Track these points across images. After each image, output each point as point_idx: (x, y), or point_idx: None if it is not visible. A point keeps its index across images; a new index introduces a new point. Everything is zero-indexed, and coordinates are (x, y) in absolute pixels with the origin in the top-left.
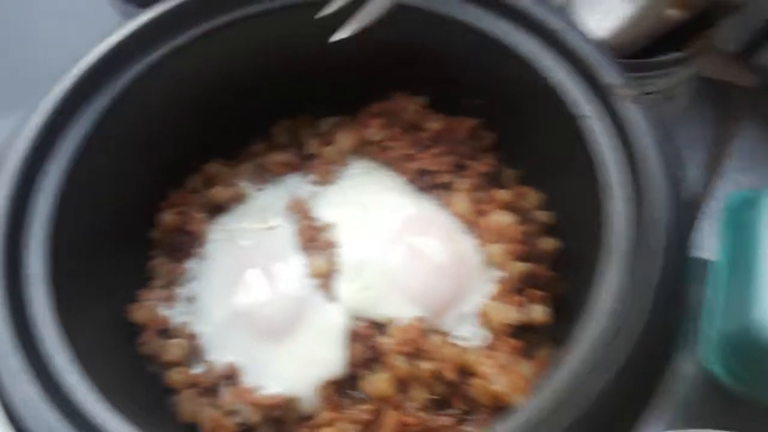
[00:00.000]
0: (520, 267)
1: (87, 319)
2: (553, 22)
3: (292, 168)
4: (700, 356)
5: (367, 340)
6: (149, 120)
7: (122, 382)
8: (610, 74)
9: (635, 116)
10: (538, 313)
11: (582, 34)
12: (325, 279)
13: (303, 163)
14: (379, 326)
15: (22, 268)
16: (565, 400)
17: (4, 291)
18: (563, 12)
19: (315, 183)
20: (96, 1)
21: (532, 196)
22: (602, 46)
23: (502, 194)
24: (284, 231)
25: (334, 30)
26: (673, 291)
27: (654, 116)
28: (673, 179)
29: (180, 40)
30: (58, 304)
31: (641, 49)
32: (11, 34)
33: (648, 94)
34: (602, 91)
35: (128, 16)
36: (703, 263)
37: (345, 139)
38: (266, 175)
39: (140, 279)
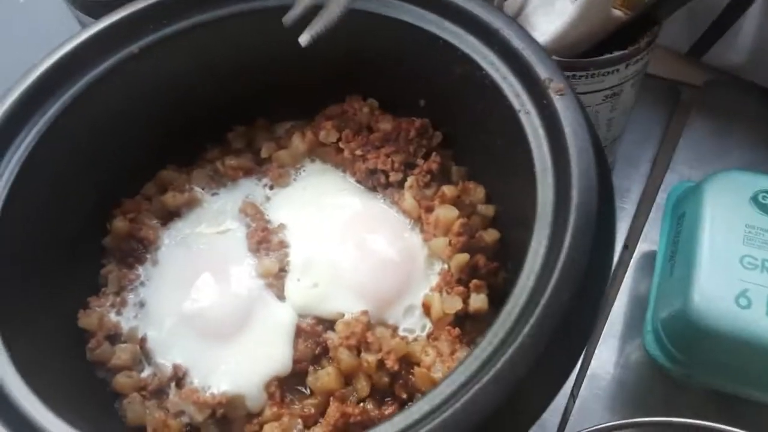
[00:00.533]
0: (461, 258)
1: (32, 327)
2: (494, 22)
3: (246, 172)
4: (644, 343)
5: (315, 337)
6: (101, 127)
7: (70, 388)
8: (544, 70)
9: (564, 109)
10: (478, 301)
11: (521, 33)
12: (275, 279)
13: (258, 167)
14: (326, 323)
15: None
16: (477, 377)
17: None
18: (502, 12)
19: (269, 186)
20: (57, 11)
21: (477, 191)
22: (537, 43)
23: (449, 190)
24: (236, 234)
25: (287, 36)
26: (595, 271)
27: (579, 107)
28: (597, 164)
29: (134, 47)
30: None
31: (591, 49)
32: None
33: (597, 92)
34: (537, 86)
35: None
36: (653, 255)
37: (299, 142)
38: (221, 180)
39: (92, 287)
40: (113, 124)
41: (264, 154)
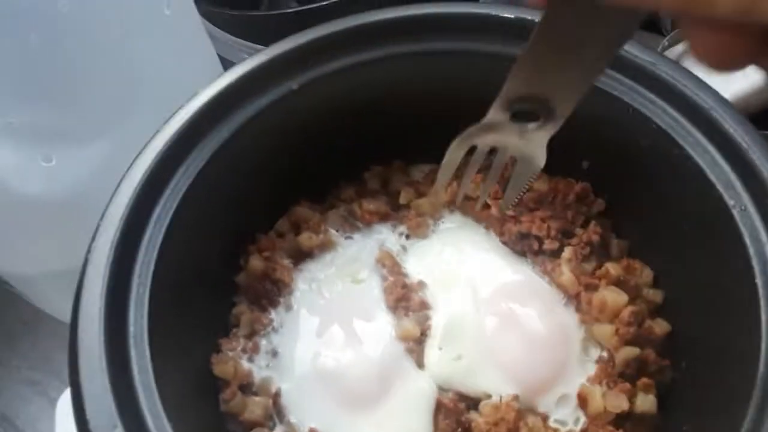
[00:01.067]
0: (630, 351)
1: (176, 374)
2: (702, 97)
3: (382, 217)
4: None
5: (456, 415)
6: (245, 166)
7: None
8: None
9: None
10: (646, 403)
11: (736, 116)
12: (415, 343)
13: (394, 213)
14: (468, 401)
15: (126, 328)
16: None
17: (108, 352)
18: (709, 86)
19: (405, 235)
20: (197, 41)
21: (644, 272)
22: (756, 131)
23: (614, 269)
24: (372, 285)
25: (438, 77)
26: None
27: None
28: None
29: (293, 82)
30: (154, 363)
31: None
32: (107, 59)
33: None
34: (759, 182)
35: (227, 54)
36: None
37: (442, 192)
38: (355, 223)
39: (223, 326)
40: (260, 160)
41: (403, 200)
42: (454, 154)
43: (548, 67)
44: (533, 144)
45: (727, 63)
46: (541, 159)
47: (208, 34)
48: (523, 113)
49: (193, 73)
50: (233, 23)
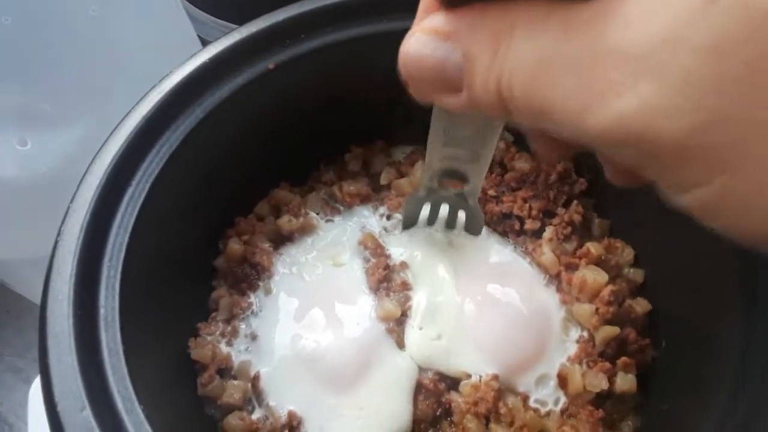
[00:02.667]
0: (610, 330)
1: (151, 357)
2: None
3: (363, 199)
4: None
5: (436, 395)
6: (221, 147)
7: (182, 425)
8: None
9: None
10: (626, 382)
11: None
12: (395, 324)
13: (375, 194)
14: (448, 380)
15: (96, 310)
16: None
17: (77, 334)
18: None
19: (387, 216)
20: (176, 22)
21: (625, 251)
22: None
23: (594, 248)
24: (354, 268)
25: None
26: None
27: None
28: None
29: (269, 61)
30: (125, 346)
31: None
32: (83, 41)
33: None
34: None
35: (207, 35)
36: None
37: (419, 174)
38: (336, 206)
39: (202, 310)
40: (237, 142)
41: (384, 180)
42: (408, 212)
43: (447, 154)
44: (468, 204)
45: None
46: (479, 216)
47: (188, 15)
48: (450, 179)
49: (172, 54)
50: (213, 3)
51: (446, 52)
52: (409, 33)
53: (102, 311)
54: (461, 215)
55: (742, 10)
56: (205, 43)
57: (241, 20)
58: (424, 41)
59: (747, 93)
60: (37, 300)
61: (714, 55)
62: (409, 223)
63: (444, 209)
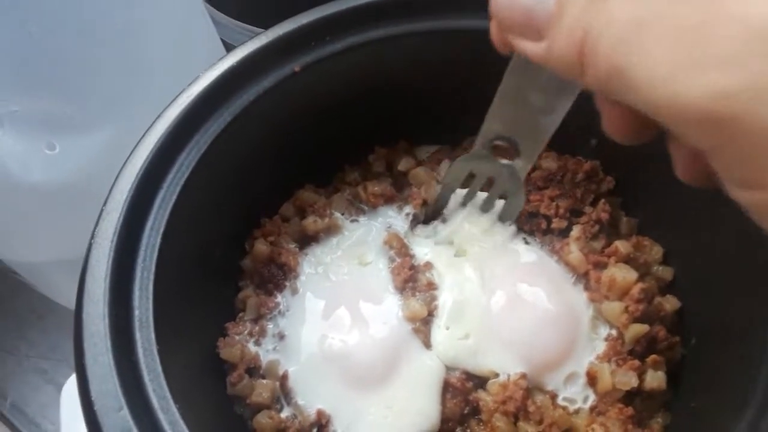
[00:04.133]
0: (639, 329)
1: (183, 357)
2: None
3: (387, 199)
4: None
5: (464, 394)
6: (248, 150)
7: (211, 425)
8: None
9: None
10: (655, 380)
11: None
12: (422, 324)
13: (399, 194)
14: (476, 380)
15: (131, 311)
16: None
17: (113, 335)
18: None
19: (412, 216)
20: (200, 26)
21: (653, 249)
22: None
23: (623, 246)
24: (379, 267)
25: (440, 59)
26: None
27: None
28: None
29: (295, 64)
30: (159, 346)
31: None
32: (109, 46)
33: None
34: None
35: (230, 38)
36: None
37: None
38: (361, 206)
39: (229, 310)
40: (263, 144)
41: (402, 167)
42: (452, 175)
43: (509, 117)
44: (513, 180)
45: (624, 138)
46: (520, 198)
47: (212, 19)
48: (501, 150)
49: (196, 58)
50: (236, 7)
51: None
52: None
53: (137, 312)
54: (499, 201)
55: None
56: (228, 46)
57: (263, 24)
58: None
59: None
60: (63, 302)
61: None
62: (449, 187)
63: (480, 196)
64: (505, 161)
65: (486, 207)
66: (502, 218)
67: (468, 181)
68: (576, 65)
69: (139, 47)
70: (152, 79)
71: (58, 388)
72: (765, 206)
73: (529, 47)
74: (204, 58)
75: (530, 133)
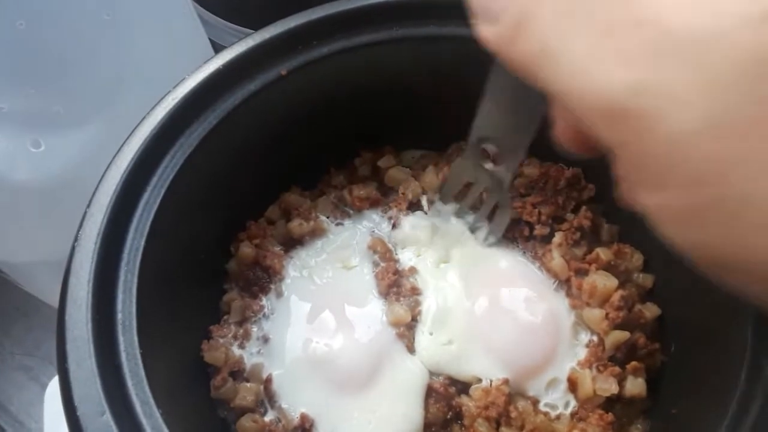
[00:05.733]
0: (619, 335)
1: (166, 361)
2: None
3: (372, 203)
4: None
5: (447, 399)
6: (234, 152)
7: (195, 429)
8: None
9: None
10: (636, 386)
11: None
12: (406, 328)
13: (384, 198)
14: (459, 384)
15: (114, 314)
16: None
17: (96, 339)
18: None
19: (396, 219)
20: (188, 26)
21: (634, 257)
22: None
23: (604, 253)
24: (364, 271)
25: (428, 64)
26: None
27: None
28: None
29: (282, 68)
30: (142, 350)
31: None
32: (96, 44)
33: None
34: None
35: (219, 38)
36: None
37: (432, 175)
38: (346, 210)
39: (213, 313)
40: (249, 147)
41: (382, 164)
42: (455, 175)
43: (494, 117)
44: (499, 192)
45: (574, 148)
46: (505, 212)
47: (200, 19)
48: (488, 154)
49: (184, 57)
50: (225, 7)
51: None
52: None
53: (120, 315)
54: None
55: None
56: (216, 46)
57: (252, 24)
58: None
59: None
60: (49, 300)
61: (758, 67)
62: (450, 190)
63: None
64: (490, 166)
65: (474, 227)
66: (488, 237)
67: (463, 192)
68: (510, 44)
69: (126, 46)
70: (139, 78)
71: (43, 386)
72: (662, 210)
73: (487, 31)
74: (192, 57)
75: (512, 135)
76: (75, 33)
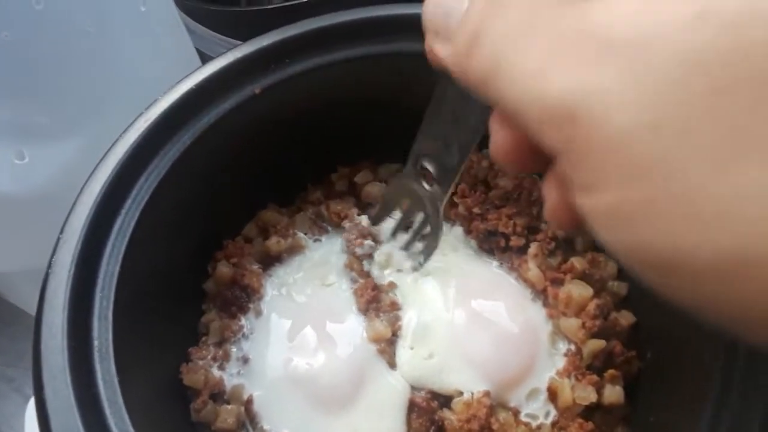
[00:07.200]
0: (596, 344)
1: (145, 386)
2: None
3: (350, 218)
4: None
5: (429, 414)
6: (208, 172)
7: None
8: None
9: None
10: (614, 394)
11: None
12: (386, 344)
13: (362, 213)
14: (441, 398)
15: (90, 341)
16: None
17: (72, 368)
18: None
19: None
20: (174, 37)
21: (608, 265)
22: None
23: (578, 262)
24: (342, 288)
25: (400, 79)
26: None
27: None
28: None
29: (256, 86)
30: (120, 376)
31: None
32: (81, 56)
33: None
34: None
35: (205, 48)
36: None
37: None
38: (324, 225)
39: (191, 334)
40: (224, 165)
41: (359, 180)
42: (392, 193)
43: (437, 135)
44: (435, 209)
45: (509, 164)
46: (437, 231)
47: (187, 28)
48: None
49: (170, 68)
50: (212, 18)
51: (458, 1)
52: None
53: (96, 342)
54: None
55: (729, 34)
56: (203, 56)
57: (240, 36)
58: None
59: (708, 112)
60: (30, 310)
61: (690, 67)
62: (385, 210)
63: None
64: (428, 186)
65: (407, 246)
66: (417, 260)
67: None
68: (464, 60)
69: (112, 58)
70: (124, 89)
71: (25, 396)
72: (601, 212)
73: (438, 48)
74: (177, 67)
75: (452, 152)
76: (60, 45)
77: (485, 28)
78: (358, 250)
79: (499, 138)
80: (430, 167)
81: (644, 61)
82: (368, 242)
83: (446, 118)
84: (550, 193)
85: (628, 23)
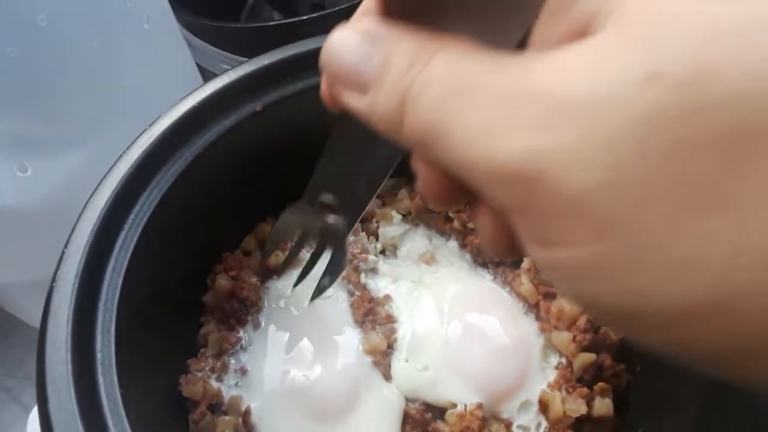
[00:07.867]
0: (587, 357)
1: (145, 398)
2: None
3: (356, 233)
4: None
5: (423, 425)
6: (209, 188)
7: None
8: None
9: None
10: (603, 407)
11: None
12: (381, 356)
13: (359, 225)
14: (435, 410)
15: (93, 354)
16: None
17: (76, 381)
18: None
19: (371, 245)
20: (176, 53)
21: None
22: None
23: None
24: (339, 300)
25: None
26: None
27: None
28: None
29: (257, 104)
30: (122, 389)
31: None
32: (84, 71)
33: None
34: None
35: (207, 64)
36: None
37: (408, 202)
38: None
39: (190, 346)
40: (225, 181)
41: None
42: (282, 226)
43: (338, 171)
44: (337, 239)
45: (438, 203)
46: (342, 261)
47: (188, 44)
48: (327, 206)
49: (172, 83)
50: (213, 34)
51: (368, 50)
52: (342, 28)
53: (99, 355)
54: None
55: (680, 93)
56: (204, 72)
57: (241, 52)
58: (351, 37)
59: (664, 169)
60: (29, 320)
61: (644, 126)
62: (276, 240)
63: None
64: (330, 219)
65: (304, 274)
66: (330, 274)
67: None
68: (395, 122)
69: (115, 71)
70: (127, 103)
71: (23, 406)
72: (560, 265)
73: (353, 100)
74: (179, 84)
75: (356, 189)
76: (64, 60)
77: (415, 91)
78: (363, 265)
79: (425, 178)
80: (331, 201)
81: (598, 120)
82: (372, 257)
83: (351, 157)
84: (484, 225)
85: (576, 83)
